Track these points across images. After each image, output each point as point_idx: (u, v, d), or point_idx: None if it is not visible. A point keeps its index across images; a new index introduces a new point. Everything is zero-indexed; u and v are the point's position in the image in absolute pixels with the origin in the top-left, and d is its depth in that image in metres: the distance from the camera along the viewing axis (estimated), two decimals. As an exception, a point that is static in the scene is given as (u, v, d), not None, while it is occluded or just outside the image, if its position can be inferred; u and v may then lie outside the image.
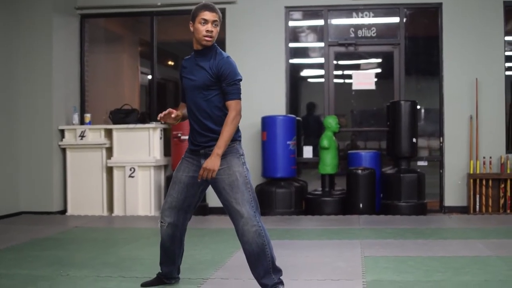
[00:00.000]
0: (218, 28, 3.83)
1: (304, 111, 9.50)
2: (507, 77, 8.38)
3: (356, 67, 9.32)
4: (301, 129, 8.86)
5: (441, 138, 8.44)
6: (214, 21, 3.79)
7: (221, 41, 8.06)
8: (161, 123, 8.41)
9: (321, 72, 8.84)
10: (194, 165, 3.93)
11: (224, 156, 3.78)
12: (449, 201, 8.34)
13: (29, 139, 8.36)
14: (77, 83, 9.01)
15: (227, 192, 3.78)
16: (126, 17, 9.56)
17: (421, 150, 8.84)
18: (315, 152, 8.57)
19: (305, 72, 9.90)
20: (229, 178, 3.78)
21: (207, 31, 3.77)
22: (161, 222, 4.04)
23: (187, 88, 3.92)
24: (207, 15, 3.78)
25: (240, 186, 3.77)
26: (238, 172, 3.79)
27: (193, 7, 3.88)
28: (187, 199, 3.98)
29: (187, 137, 8.13)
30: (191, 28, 3.85)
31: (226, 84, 3.78)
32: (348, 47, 8.71)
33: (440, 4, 8.44)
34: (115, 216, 8.22)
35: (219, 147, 3.71)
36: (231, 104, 3.78)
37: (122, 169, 8.26)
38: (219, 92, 3.82)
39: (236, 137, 3.85)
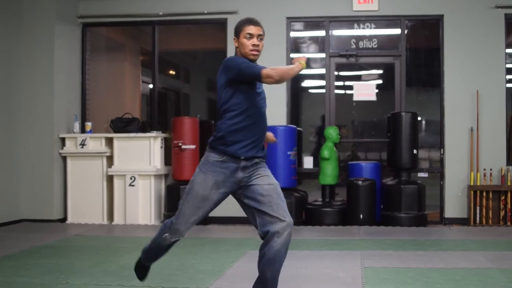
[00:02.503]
0: (263, 42, 3.81)
1: (306, 122, 9.52)
2: (508, 89, 8.39)
3: (357, 78, 9.34)
4: (302, 139, 8.86)
5: (442, 150, 8.44)
6: (259, 35, 3.79)
7: (222, 52, 8.03)
8: (162, 133, 8.46)
9: (322, 82, 8.86)
10: (227, 181, 3.73)
11: (262, 166, 3.83)
12: (449, 213, 8.34)
13: (30, 147, 8.37)
14: (78, 91, 9.03)
15: (271, 196, 3.72)
16: (127, 26, 9.61)
17: (422, 162, 8.84)
18: (316, 163, 8.56)
19: (306, 83, 9.92)
20: (273, 185, 3.76)
21: (254, 45, 3.76)
22: (177, 238, 3.81)
23: (253, 94, 3.91)
24: (252, 29, 3.77)
25: (281, 194, 3.76)
26: (276, 183, 3.80)
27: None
28: (207, 214, 3.86)
29: (187, 146, 8.24)
30: (235, 44, 3.83)
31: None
32: (349, 58, 8.72)
33: (442, 16, 8.47)
34: (115, 225, 8.22)
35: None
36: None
37: (123, 178, 8.27)
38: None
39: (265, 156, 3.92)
